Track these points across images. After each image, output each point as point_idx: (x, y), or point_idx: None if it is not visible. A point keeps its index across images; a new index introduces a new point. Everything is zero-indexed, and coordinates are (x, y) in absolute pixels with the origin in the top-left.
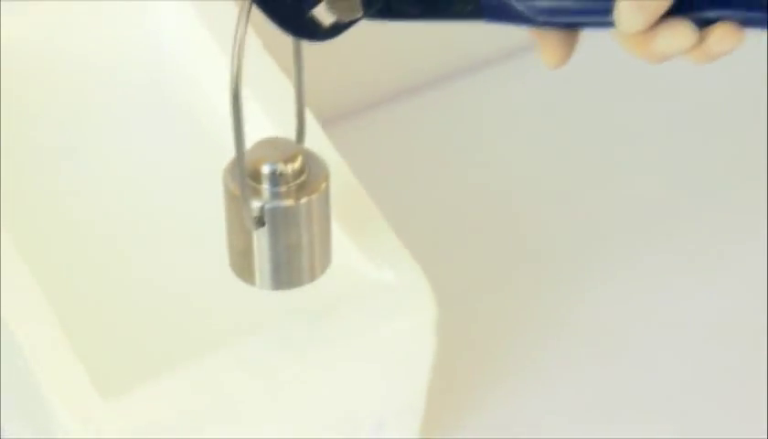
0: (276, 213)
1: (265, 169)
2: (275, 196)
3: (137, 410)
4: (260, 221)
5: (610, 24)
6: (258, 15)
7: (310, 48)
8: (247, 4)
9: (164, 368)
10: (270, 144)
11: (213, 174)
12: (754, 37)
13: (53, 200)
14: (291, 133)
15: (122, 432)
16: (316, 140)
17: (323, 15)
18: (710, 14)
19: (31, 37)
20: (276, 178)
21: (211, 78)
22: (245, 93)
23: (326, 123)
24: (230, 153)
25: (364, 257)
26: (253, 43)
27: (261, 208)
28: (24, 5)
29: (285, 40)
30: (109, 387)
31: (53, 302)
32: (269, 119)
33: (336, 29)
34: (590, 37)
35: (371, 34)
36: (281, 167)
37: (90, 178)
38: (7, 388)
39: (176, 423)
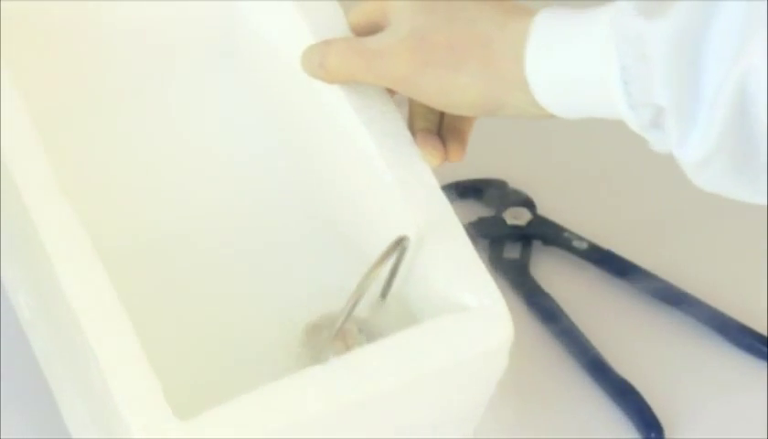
0: None
1: None
2: None
3: (213, 432)
4: None
5: None
6: None
7: None
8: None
9: (238, 390)
10: None
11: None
12: None
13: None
14: None
15: None
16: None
17: None
18: None
19: None
20: None
21: (287, 42)
22: None
23: None
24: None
25: (446, 278)
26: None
27: None
28: None
29: None
30: (183, 407)
31: (131, 317)
32: None
33: None
34: None
35: None
36: None
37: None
38: (79, 397)
39: None
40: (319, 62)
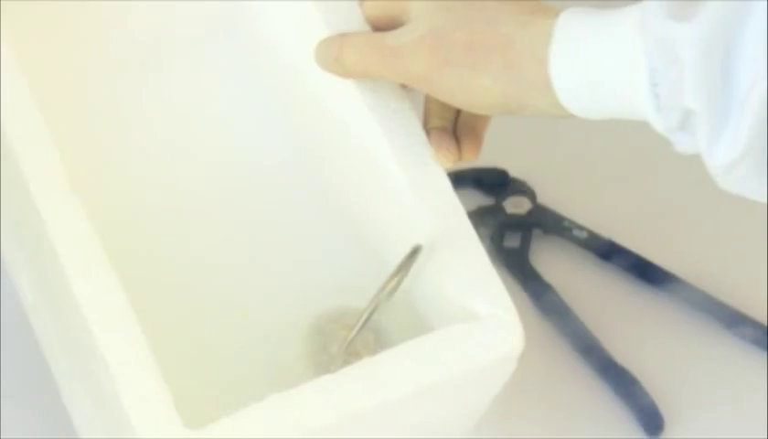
0: None
1: None
2: None
3: None
4: None
5: None
6: None
7: None
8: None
9: (247, 391)
10: None
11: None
12: None
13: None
14: None
15: None
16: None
17: None
18: None
19: None
20: None
21: (300, 36)
22: None
23: None
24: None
25: (458, 284)
26: None
27: None
28: None
29: None
30: (191, 411)
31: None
32: None
33: None
34: None
35: None
36: None
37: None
38: (86, 394)
39: None
40: (335, 56)
